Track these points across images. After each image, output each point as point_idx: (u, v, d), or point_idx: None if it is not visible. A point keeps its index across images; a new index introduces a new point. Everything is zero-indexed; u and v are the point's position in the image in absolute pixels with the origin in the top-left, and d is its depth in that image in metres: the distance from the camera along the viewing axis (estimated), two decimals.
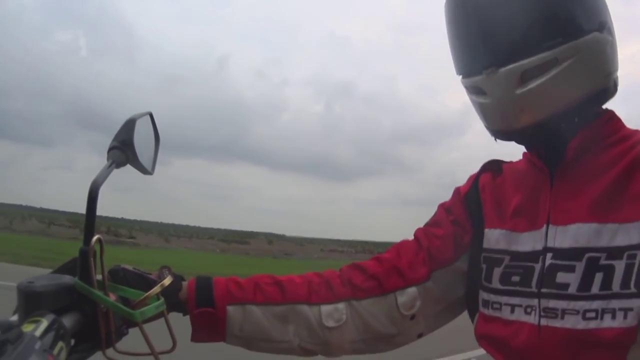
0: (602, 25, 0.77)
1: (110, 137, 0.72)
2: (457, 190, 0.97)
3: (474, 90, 0.82)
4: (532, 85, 0.75)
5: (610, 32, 0.79)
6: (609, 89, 0.80)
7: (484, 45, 0.79)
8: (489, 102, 0.80)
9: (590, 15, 0.77)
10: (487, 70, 0.77)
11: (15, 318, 0.57)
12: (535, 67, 0.75)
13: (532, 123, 0.77)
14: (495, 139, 0.85)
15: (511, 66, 0.75)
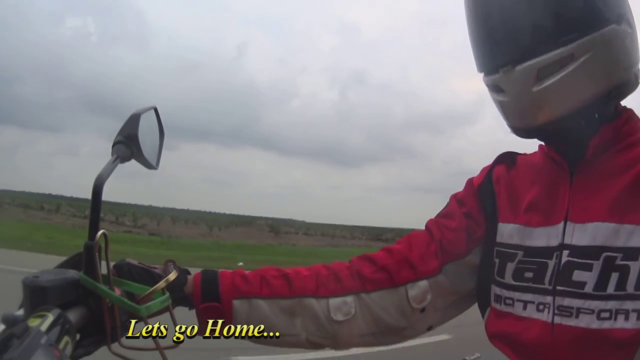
0: (620, 17, 0.75)
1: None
2: (470, 182, 0.95)
3: (494, 89, 0.82)
4: (548, 82, 0.74)
5: (630, 23, 0.77)
6: (630, 82, 0.78)
7: (499, 44, 0.79)
8: (507, 100, 0.79)
9: (606, 7, 0.75)
10: (504, 68, 0.77)
11: (20, 313, 0.57)
12: (551, 63, 0.74)
13: (550, 120, 0.76)
14: (516, 136, 0.83)
15: (527, 64, 0.75)
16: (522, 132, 0.82)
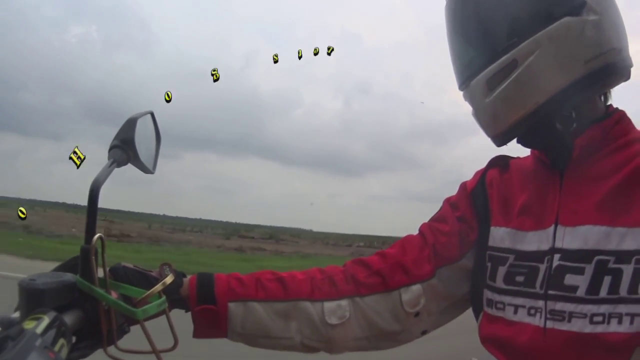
0: (579, 7, 0.74)
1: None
2: (464, 186, 0.96)
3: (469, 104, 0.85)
4: (496, 91, 0.76)
5: (595, 11, 0.74)
6: (605, 70, 0.75)
7: (459, 63, 0.85)
8: (473, 113, 0.84)
9: (555, 2, 0.75)
10: (464, 85, 0.84)
11: (16, 315, 0.58)
12: (497, 73, 0.76)
13: (509, 127, 0.78)
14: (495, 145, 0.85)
15: (478, 77, 0.79)
16: (495, 140, 0.83)
